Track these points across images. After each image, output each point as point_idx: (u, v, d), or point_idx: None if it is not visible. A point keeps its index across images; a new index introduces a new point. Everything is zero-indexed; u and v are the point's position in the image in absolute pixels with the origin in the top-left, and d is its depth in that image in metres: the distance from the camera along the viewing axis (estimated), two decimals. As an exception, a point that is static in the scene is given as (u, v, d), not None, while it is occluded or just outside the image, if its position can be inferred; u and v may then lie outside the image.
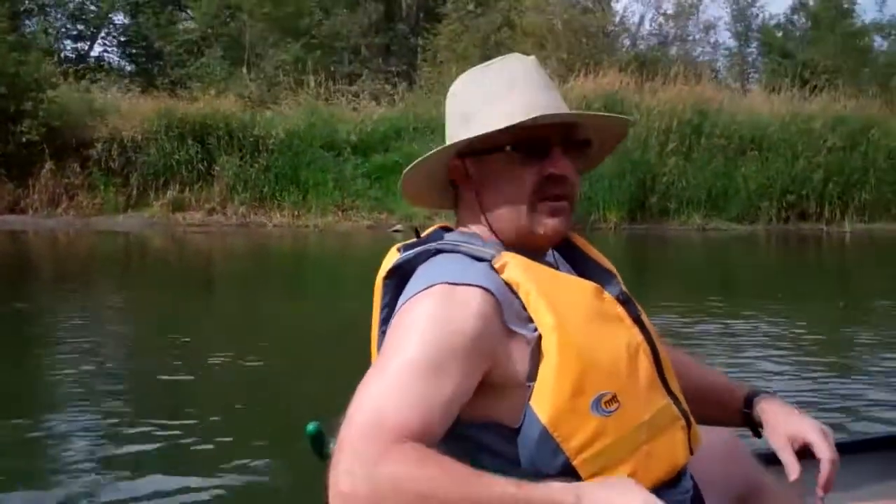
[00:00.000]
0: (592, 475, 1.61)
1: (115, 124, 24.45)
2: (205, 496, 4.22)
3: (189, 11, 37.69)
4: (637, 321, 1.82)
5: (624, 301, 1.84)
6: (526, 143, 1.81)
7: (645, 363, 1.76)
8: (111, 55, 39.89)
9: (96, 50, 39.40)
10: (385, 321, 1.83)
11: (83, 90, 26.43)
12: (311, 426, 1.85)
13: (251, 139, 24.62)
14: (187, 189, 24.34)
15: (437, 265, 1.77)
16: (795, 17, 43.08)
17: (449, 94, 1.99)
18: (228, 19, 34.77)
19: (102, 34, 39.23)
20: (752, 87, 35.65)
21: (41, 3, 36.66)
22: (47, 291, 12.36)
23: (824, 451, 1.91)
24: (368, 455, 1.45)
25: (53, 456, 4.84)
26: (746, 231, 24.36)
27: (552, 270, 1.82)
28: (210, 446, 4.92)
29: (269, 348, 7.78)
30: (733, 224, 24.82)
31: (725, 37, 55.60)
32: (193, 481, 4.37)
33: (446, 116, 1.99)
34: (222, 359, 7.27)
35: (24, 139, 23.40)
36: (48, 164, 23.56)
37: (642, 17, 40.42)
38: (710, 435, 1.99)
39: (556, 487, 1.47)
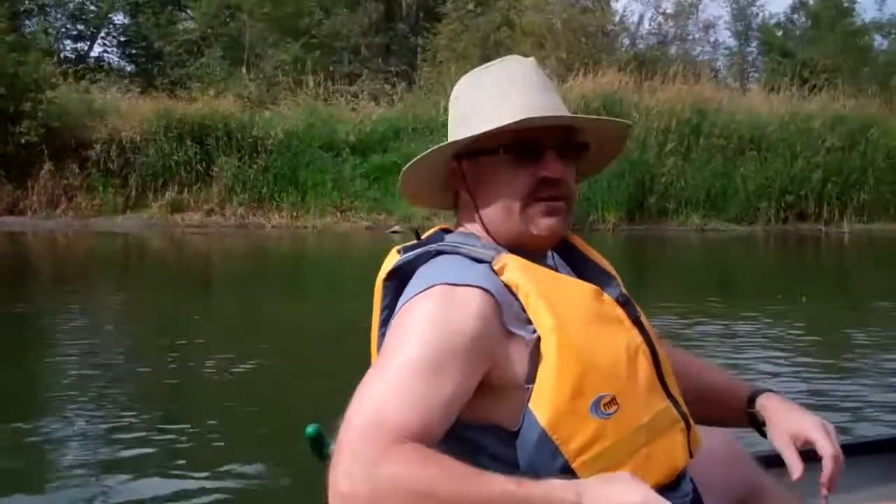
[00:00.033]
0: (591, 477, 1.61)
1: (115, 125, 24.45)
2: (204, 497, 4.22)
3: (189, 11, 37.70)
4: (637, 323, 1.81)
5: (623, 303, 1.83)
6: (519, 145, 1.81)
7: (644, 365, 1.76)
8: (111, 55, 40.01)
9: (96, 50, 39.52)
10: (385, 322, 1.82)
11: (83, 91, 26.45)
12: (310, 428, 1.85)
13: (250, 140, 24.62)
14: (186, 190, 24.35)
15: (437, 266, 1.76)
16: (795, 16, 43.12)
17: (451, 97, 1.99)
18: (228, 19, 34.77)
19: (102, 34, 39.30)
20: (751, 86, 35.63)
21: (41, 3, 36.69)
22: (46, 293, 12.36)
23: (826, 448, 1.89)
24: (368, 456, 1.44)
25: (53, 457, 4.84)
26: (745, 231, 24.36)
27: (552, 272, 1.82)
28: (210, 447, 4.93)
29: (267, 349, 7.78)
30: (732, 224, 24.82)
31: (725, 36, 55.61)
32: (193, 482, 4.37)
33: (449, 118, 1.99)
34: (221, 360, 7.25)
35: (23, 140, 23.39)
36: (47, 165, 23.56)
37: (641, 17, 40.41)
38: (709, 437, 1.98)
39: (556, 484, 1.47)
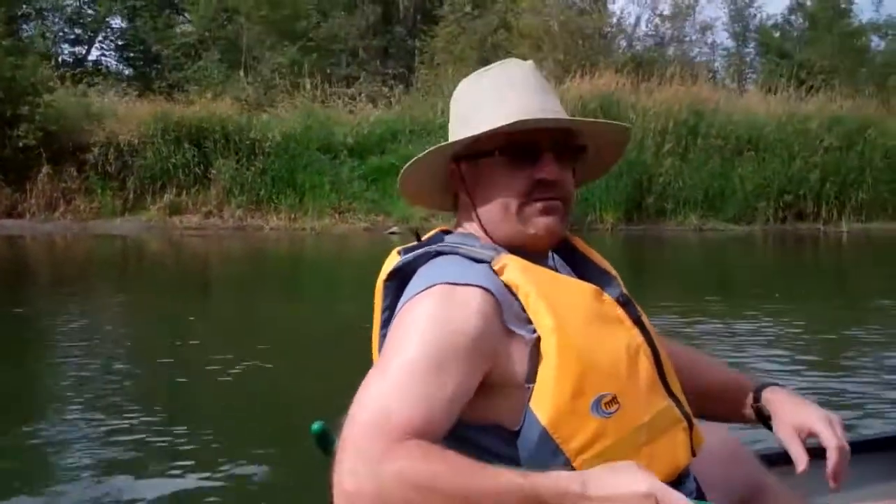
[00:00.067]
0: (592, 477, 1.60)
1: (112, 128, 24.46)
2: (204, 498, 4.23)
3: (186, 15, 37.71)
4: (637, 323, 1.82)
5: (624, 303, 1.83)
6: (515, 147, 1.82)
7: (645, 364, 1.76)
8: (109, 59, 39.98)
9: (94, 54, 39.52)
10: (386, 324, 1.82)
11: (80, 94, 26.44)
12: (315, 425, 1.85)
13: (247, 142, 24.63)
14: (184, 192, 24.34)
15: (437, 266, 1.77)
16: (793, 17, 43.22)
17: (452, 99, 2.01)
18: (226, 22, 34.77)
19: (100, 38, 39.30)
20: (749, 87, 35.66)
21: (38, 7, 36.67)
22: (45, 296, 12.35)
23: (831, 440, 1.87)
24: (372, 453, 1.44)
25: (53, 458, 4.84)
26: (743, 231, 24.37)
27: (552, 272, 1.83)
28: (209, 448, 4.92)
29: (266, 351, 7.77)
30: (730, 224, 24.84)
31: (723, 37, 55.65)
32: (193, 483, 4.37)
33: (449, 120, 2.01)
34: (220, 361, 7.25)
35: (20, 144, 23.38)
36: (45, 169, 23.53)
37: (638, 18, 40.30)
38: (712, 436, 1.97)
39: (562, 475, 1.46)
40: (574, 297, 1.75)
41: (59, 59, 34.85)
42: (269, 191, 24.50)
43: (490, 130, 1.80)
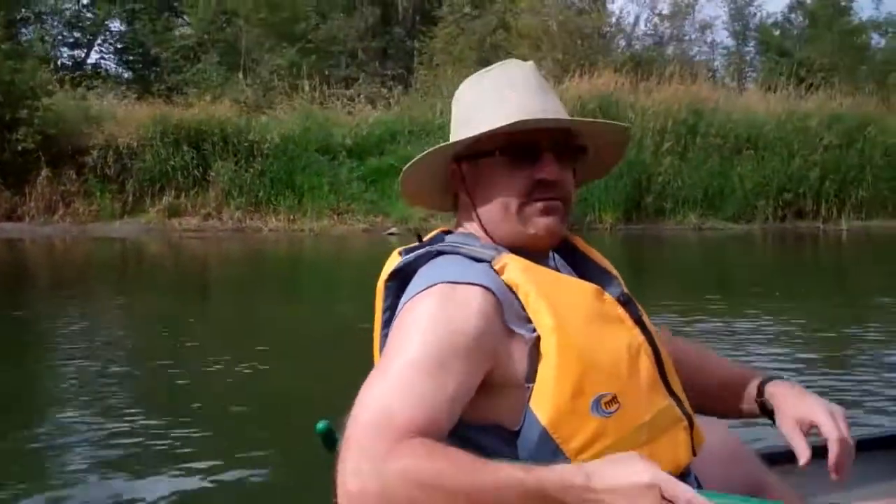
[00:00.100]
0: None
1: (111, 131, 24.48)
2: (204, 498, 4.22)
3: (185, 17, 37.70)
4: (638, 322, 1.82)
5: (625, 302, 1.84)
6: (515, 147, 1.83)
7: (646, 364, 1.76)
8: (108, 62, 40.04)
9: (93, 57, 39.63)
10: (387, 324, 1.83)
11: (79, 97, 26.44)
12: (320, 424, 1.85)
13: (246, 144, 24.62)
14: (183, 195, 24.35)
15: (438, 266, 1.77)
16: (793, 15, 43.27)
17: (453, 99, 2.01)
18: (225, 25, 34.80)
19: (99, 41, 39.37)
20: (749, 86, 35.67)
21: (38, 11, 36.69)
22: (45, 298, 12.34)
23: (832, 431, 1.85)
24: (376, 452, 1.45)
25: (53, 459, 4.83)
26: (743, 230, 24.35)
27: (552, 272, 1.83)
28: (209, 449, 4.91)
29: (266, 351, 7.76)
30: (730, 223, 24.81)
31: (723, 36, 55.72)
32: (192, 484, 4.36)
33: (451, 121, 2.01)
34: (220, 362, 7.24)
35: (19, 147, 23.41)
36: (44, 172, 23.55)
37: (637, 18, 40.35)
38: (712, 435, 1.97)
39: (565, 469, 1.47)
40: (574, 296, 1.75)
41: (59, 63, 34.88)
42: (267, 192, 24.50)
43: (490, 130, 1.80)
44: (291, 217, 24.32)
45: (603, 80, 26.42)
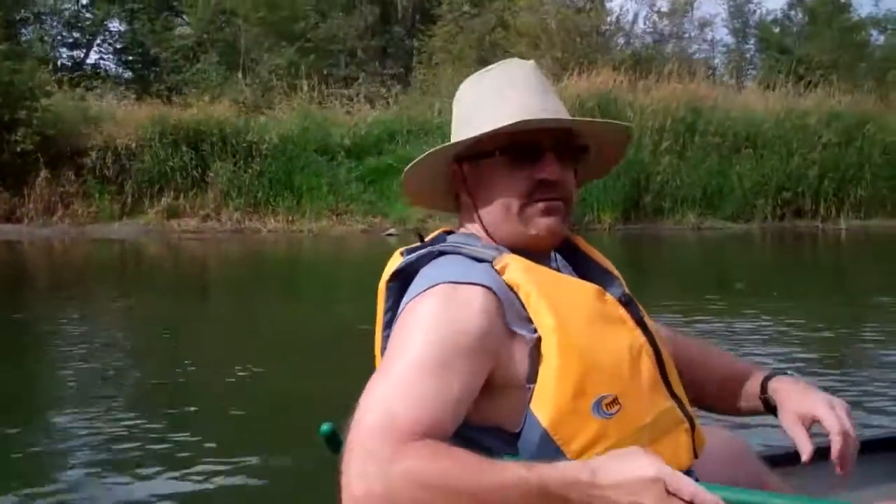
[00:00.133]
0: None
1: (110, 132, 24.46)
2: (204, 499, 4.23)
3: (185, 17, 37.69)
4: (640, 323, 1.81)
5: (626, 303, 1.83)
6: (516, 147, 1.82)
7: (648, 365, 1.75)
8: (107, 62, 40.04)
9: (92, 57, 39.61)
10: (388, 325, 1.83)
11: (78, 98, 26.42)
12: (325, 426, 1.84)
13: (244, 145, 24.59)
14: (182, 196, 24.34)
15: (439, 266, 1.77)
16: (792, 12, 43.27)
17: (454, 100, 2.01)
18: (224, 24, 34.77)
19: (98, 41, 39.38)
20: (749, 83, 35.64)
21: (37, 11, 36.69)
22: (44, 300, 12.34)
23: (833, 425, 1.83)
24: (382, 454, 1.44)
25: (52, 460, 4.83)
26: (742, 229, 24.34)
27: (553, 272, 1.82)
28: (209, 449, 4.92)
29: (265, 352, 7.78)
30: (728, 222, 24.80)
31: (723, 33, 55.72)
32: (192, 485, 4.36)
33: (452, 121, 2.01)
34: (219, 363, 7.26)
35: (18, 148, 23.39)
36: (43, 173, 23.54)
37: (636, 15, 40.36)
38: (714, 437, 1.97)
39: (569, 466, 1.47)
40: (576, 296, 1.75)
41: (58, 63, 34.87)
42: (266, 193, 24.48)
43: (491, 131, 1.80)
44: (290, 218, 24.30)
45: (601, 79, 26.37)
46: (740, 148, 25.64)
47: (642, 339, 1.77)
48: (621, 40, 37.49)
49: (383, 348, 1.82)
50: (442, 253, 1.81)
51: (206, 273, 16.90)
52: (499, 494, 1.43)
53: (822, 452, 1.84)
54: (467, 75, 2.03)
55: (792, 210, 25.56)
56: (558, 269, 1.90)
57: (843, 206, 25.65)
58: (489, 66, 1.97)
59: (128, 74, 38.56)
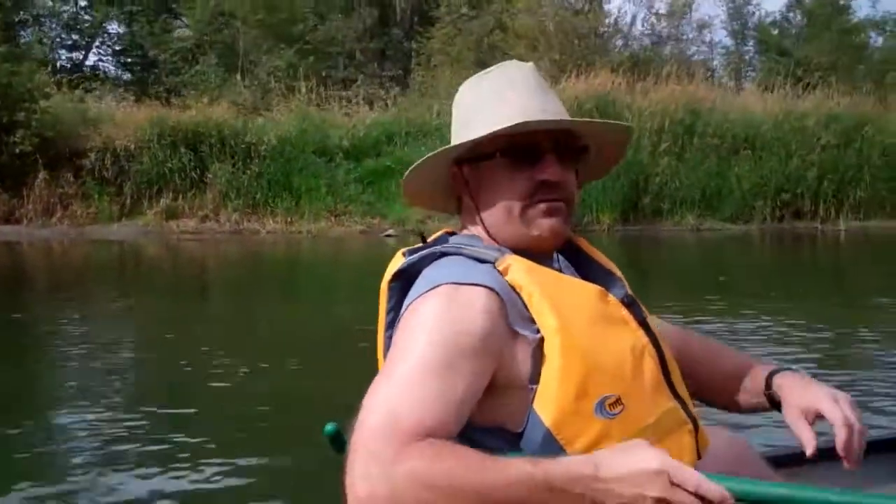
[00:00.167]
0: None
1: (109, 133, 24.45)
2: (203, 499, 4.23)
3: (183, 19, 37.67)
4: (642, 324, 1.81)
5: (629, 304, 1.83)
6: (516, 149, 1.82)
7: (650, 366, 1.75)
8: (106, 64, 40.00)
9: (91, 59, 39.54)
10: (390, 325, 1.83)
11: (77, 100, 26.40)
12: (329, 426, 1.84)
13: (243, 146, 24.57)
14: (180, 197, 24.33)
15: (442, 267, 1.77)
16: (791, 14, 43.27)
17: (453, 102, 2.01)
18: (222, 26, 34.75)
19: (97, 43, 39.35)
20: (748, 85, 35.65)
21: (36, 13, 36.67)
22: (43, 301, 12.33)
23: (836, 416, 1.80)
24: (385, 455, 1.44)
25: (52, 461, 4.84)
26: (741, 231, 24.34)
27: (556, 273, 1.82)
28: (208, 451, 4.91)
29: (264, 353, 7.77)
30: (727, 224, 24.80)
31: (722, 35, 55.75)
32: (192, 485, 4.36)
33: (452, 123, 2.01)
34: (219, 364, 7.25)
35: (17, 150, 23.38)
36: (42, 175, 23.52)
37: (634, 17, 40.39)
38: (717, 438, 1.96)
39: (573, 460, 1.47)
40: (578, 297, 1.75)
41: (57, 65, 34.87)
42: (265, 194, 24.46)
43: (491, 133, 1.80)
44: (289, 219, 24.30)
45: (599, 81, 26.33)
46: (739, 149, 25.63)
47: (645, 339, 1.77)
48: (619, 42, 37.53)
49: (386, 349, 1.82)
50: (444, 254, 1.81)
51: (205, 274, 16.90)
52: (503, 491, 1.43)
53: (826, 453, 1.83)
54: (466, 77, 2.03)
55: (791, 211, 25.56)
56: (561, 270, 1.90)
57: (843, 208, 25.64)
58: (488, 69, 1.97)
59: (127, 76, 38.57)
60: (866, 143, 26.04)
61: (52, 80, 26.41)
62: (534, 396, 1.65)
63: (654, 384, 1.74)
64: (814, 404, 1.86)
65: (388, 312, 1.86)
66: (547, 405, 1.63)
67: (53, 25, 38.20)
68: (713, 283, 13.65)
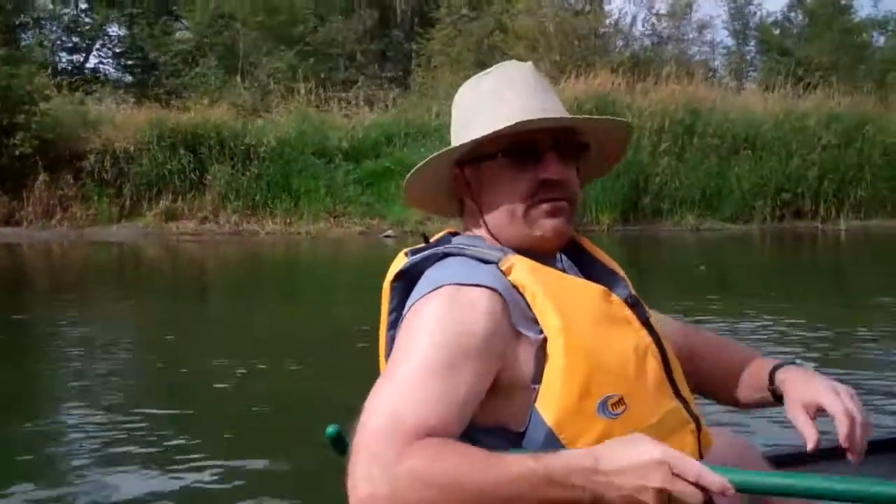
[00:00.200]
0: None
1: (108, 135, 24.47)
2: (203, 499, 4.23)
3: (183, 21, 37.68)
4: (646, 324, 1.81)
5: (632, 304, 1.82)
6: (517, 148, 1.82)
7: (653, 366, 1.74)
8: (107, 66, 40.01)
9: (91, 61, 39.54)
10: (393, 325, 1.82)
11: (77, 102, 26.41)
12: (330, 428, 1.84)
13: (242, 148, 24.60)
14: (180, 198, 24.36)
15: (444, 267, 1.76)
16: (792, 14, 43.28)
17: (453, 103, 2.00)
18: (223, 28, 34.74)
19: (97, 46, 39.32)
20: (750, 85, 35.66)
21: (36, 16, 36.69)
22: (43, 302, 12.34)
23: (838, 409, 1.78)
24: (387, 456, 1.44)
25: (52, 461, 4.83)
26: (741, 231, 24.35)
27: (559, 273, 1.82)
28: (208, 451, 4.91)
29: (264, 354, 7.78)
30: (727, 224, 24.80)
31: (723, 35, 55.72)
32: (191, 486, 4.36)
33: (451, 125, 2.00)
34: (218, 365, 7.26)
35: (17, 152, 23.39)
36: (42, 177, 23.55)
37: (634, 18, 40.38)
38: (719, 438, 1.96)
39: (573, 454, 1.47)
40: (581, 297, 1.74)
41: (58, 67, 34.87)
42: (264, 196, 24.49)
43: (492, 133, 1.79)
44: (288, 220, 24.32)
45: (599, 81, 26.35)
46: (739, 149, 25.64)
47: (648, 339, 1.77)
48: (620, 43, 37.50)
49: (388, 349, 1.82)
50: (447, 254, 1.81)
51: (205, 275, 16.91)
52: (506, 488, 1.42)
53: (827, 452, 1.81)
54: (465, 78, 2.03)
55: (791, 211, 25.57)
56: (564, 270, 1.89)
57: (843, 207, 25.66)
58: (487, 69, 1.97)
59: (127, 78, 38.52)
60: (867, 143, 26.06)
61: (53, 82, 26.44)
62: (536, 396, 1.64)
63: (656, 384, 1.73)
64: (815, 398, 1.84)
65: (390, 313, 1.85)
66: (549, 405, 1.62)
67: (54, 28, 38.20)
68: (713, 284, 13.65)
